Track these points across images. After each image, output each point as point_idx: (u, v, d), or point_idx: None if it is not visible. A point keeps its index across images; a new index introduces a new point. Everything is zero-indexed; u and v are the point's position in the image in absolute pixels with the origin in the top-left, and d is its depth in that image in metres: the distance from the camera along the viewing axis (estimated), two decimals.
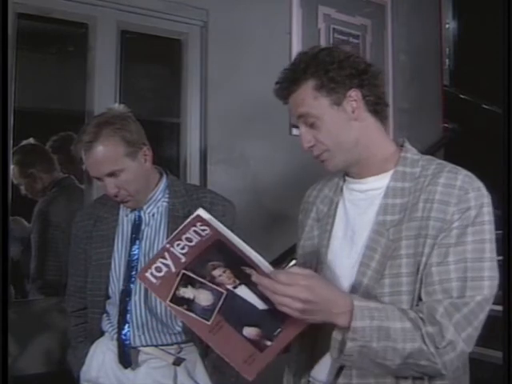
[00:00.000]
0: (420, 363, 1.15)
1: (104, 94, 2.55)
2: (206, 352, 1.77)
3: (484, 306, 1.18)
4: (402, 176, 1.30)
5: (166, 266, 1.19)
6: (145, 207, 1.81)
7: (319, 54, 1.30)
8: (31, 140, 3.10)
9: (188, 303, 1.18)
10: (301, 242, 1.46)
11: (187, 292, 1.18)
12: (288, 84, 1.31)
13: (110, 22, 2.62)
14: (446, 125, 3.82)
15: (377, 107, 1.32)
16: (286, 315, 1.13)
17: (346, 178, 1.40)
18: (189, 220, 1.19)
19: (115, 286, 1.77)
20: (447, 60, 3.99)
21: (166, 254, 1.20)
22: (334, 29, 3.25)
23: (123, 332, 1.74)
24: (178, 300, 1.18)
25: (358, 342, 1.13)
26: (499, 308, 1.38)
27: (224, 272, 1.18)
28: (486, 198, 1.23)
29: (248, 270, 1.16)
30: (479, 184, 1.25)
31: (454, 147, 3.65)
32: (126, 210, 1.84)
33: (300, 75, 1.29)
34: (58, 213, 2.78)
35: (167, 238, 1.75)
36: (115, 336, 1.76)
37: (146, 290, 1.74)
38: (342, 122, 1.29)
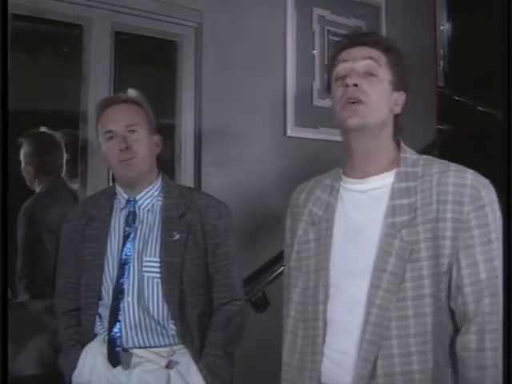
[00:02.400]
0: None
1: (99, 94, 2.53)
2: (199, 355, 1.76)
3: None
4: (405, 176, 1.31)
5: None
6: (140, 201, 1.80)
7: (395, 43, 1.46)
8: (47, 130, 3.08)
9: None
10: (294, 247, 1.42)
11: None
12: (370, 38, 1.40)
13: (105, 23, 2.60)
14: (440, 126, 3.83)
15: (402, 118, 1.40)
16: None
17: (344, 178, 1.39)
18: None
19: (108, 286, 1.76)
20: (442, 62, 4.00)
21: None
22: (328, 30, 3.24)
23: (114, 331, 1.72)
24: None
25: None
26: None
27: None
28: (495, 194, 1.26)
29: None
30: (486, 181, 1.28)
31: (449, 149, 3.65)
32: (120, 204, 1.83)
33: (378, 43, 1.40)
34: (45, 212, 2.75)
35: (161, 237, 1.76)
36: (106, 338, 1.74)
37: (139, 291, 1.73)
38: (386, 99, 1.35)
